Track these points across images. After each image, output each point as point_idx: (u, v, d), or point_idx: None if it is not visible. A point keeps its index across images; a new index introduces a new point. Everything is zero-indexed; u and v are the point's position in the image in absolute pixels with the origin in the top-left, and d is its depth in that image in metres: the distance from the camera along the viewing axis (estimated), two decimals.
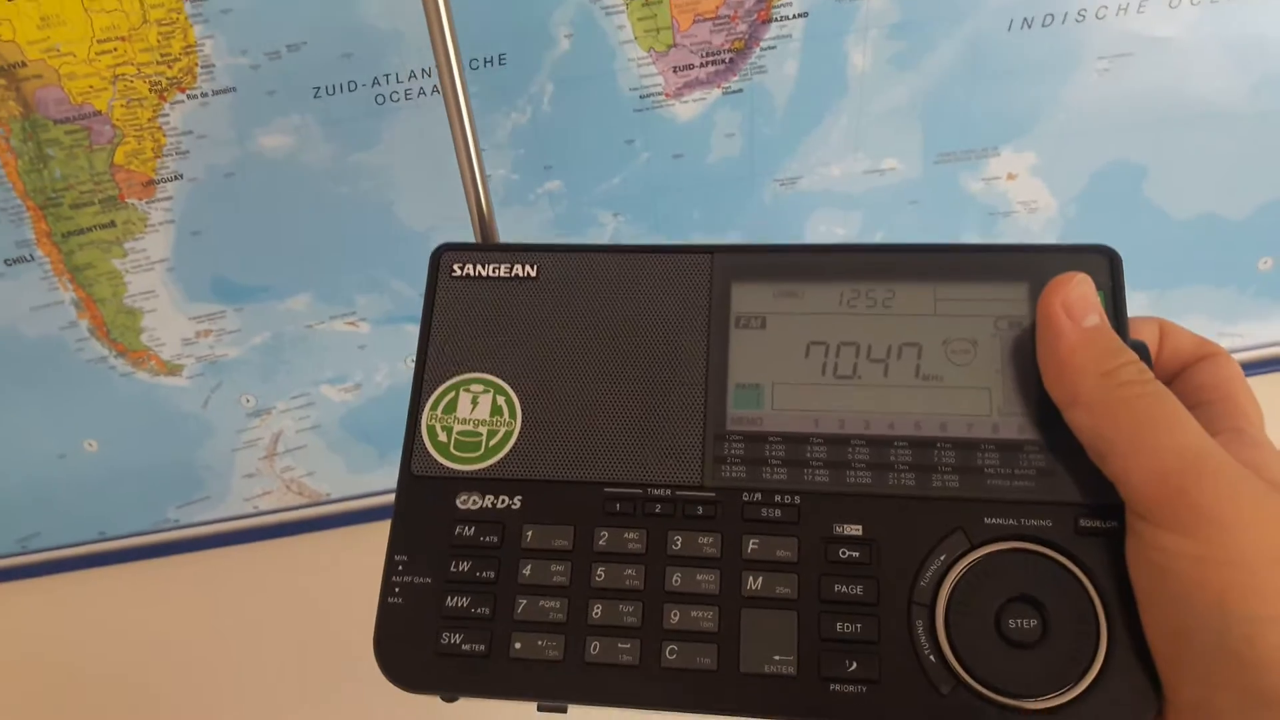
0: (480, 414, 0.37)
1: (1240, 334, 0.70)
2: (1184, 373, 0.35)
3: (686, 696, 0.33)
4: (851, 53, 0.55)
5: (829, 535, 0.33)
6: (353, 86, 0.55)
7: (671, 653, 0.33)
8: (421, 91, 0.55)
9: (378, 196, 0.58)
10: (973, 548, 0.33)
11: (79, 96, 0.54)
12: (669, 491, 0.35)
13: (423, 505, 0.36)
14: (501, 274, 0.38)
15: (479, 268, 0.39)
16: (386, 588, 0.35)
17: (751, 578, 0.33)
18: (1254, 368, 0.70)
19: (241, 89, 0.54)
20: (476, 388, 0.37)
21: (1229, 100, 0.59)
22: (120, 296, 0.61)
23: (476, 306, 0.38)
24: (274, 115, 0.55)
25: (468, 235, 0.62)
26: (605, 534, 0.35)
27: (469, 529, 0.35)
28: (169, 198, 0.58)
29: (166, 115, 0.55)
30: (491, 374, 0.37)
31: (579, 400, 0.36)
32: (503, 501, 0.36)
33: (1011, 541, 0.33)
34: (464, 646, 0.34)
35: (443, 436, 0.37)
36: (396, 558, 0.35)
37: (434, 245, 0.61)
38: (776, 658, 0.32)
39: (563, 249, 0.39)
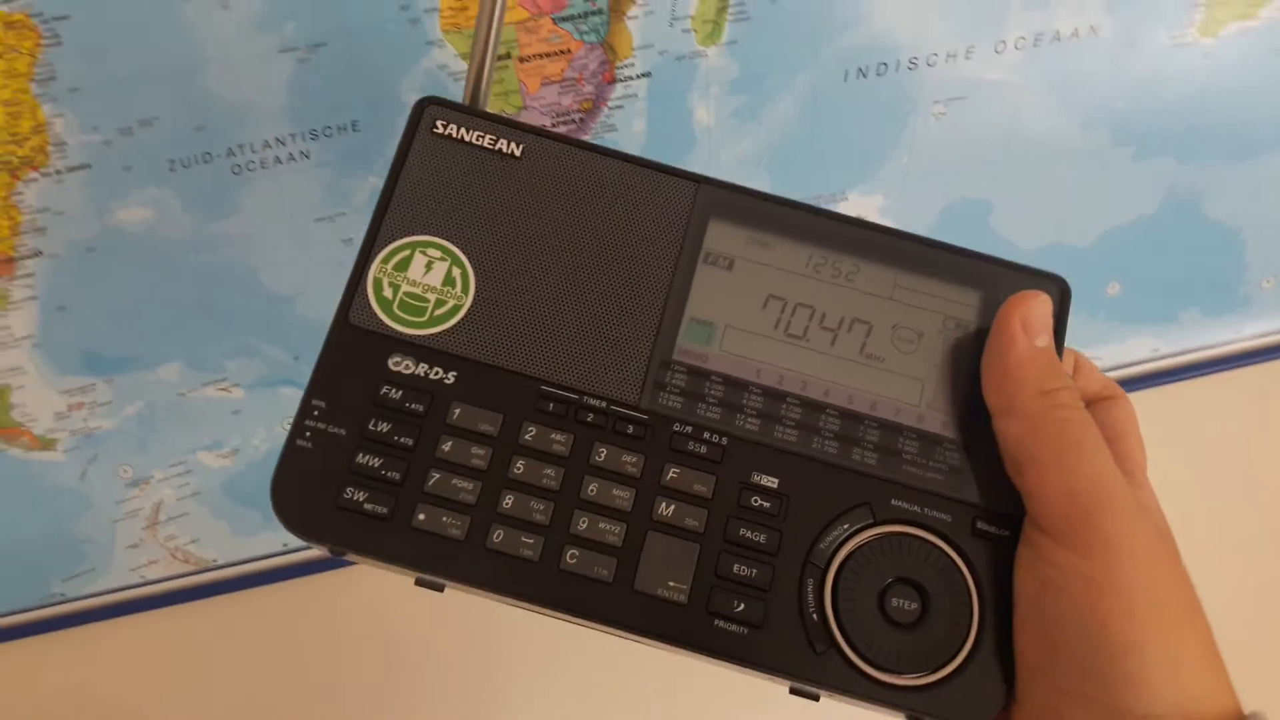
0: (432, 280, 0.36)
1: (1098, 358, 0.73)
2: (1087, 409, 0.38)
3: (576, 601, 0.33)
4: (696, 108, 0.57)
5: (746, 481, 0.35)
6: (208, 158, 0.55)
7: (572, 557, 0.34)
8: (277, 160, 0.56)
9: (241, 264, 0.59)
10: (875, 523, 0.34)
11: None
12: (604, 404, 0.35)
13: (352, 356, 0.35)
14: (485, 144, 0.37)
15: (462, 131, 0.37)
16: (297, 429, 0.34)
17: (664, 504, 0.34)
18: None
19: (96, 165, 0.55)
20: (434, 253, 0.36)
21: (1061, 137, 0.62)
22: None
23: (451, 171, 0.37)
24: (131, 189, 0.56)
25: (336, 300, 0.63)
26: (533, 429, 0.35)
27: (396, 392, 0.35)
28: (30, 274, 0.58)
29: (21, 194, 0.55)
30: (452, 243, 0.36)
31: (535, 293, 0.36)
32: (436, 373, 0.35)
33: (911, 526, 0.34)
34: (366, 505, 0.34)
35: (388, 293, 0.36)
36: (314, 401, 0.35)
37: (301, 308, 0.62)
38: (671, 583, 0.34)
39: (553, 136, 0.38)
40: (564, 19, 0.53)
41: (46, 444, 0.64)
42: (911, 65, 0.58)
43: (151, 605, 0.72)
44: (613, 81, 0.56)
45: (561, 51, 0.54)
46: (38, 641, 0.72)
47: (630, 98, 0.56)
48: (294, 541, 0.71)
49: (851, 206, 0.62)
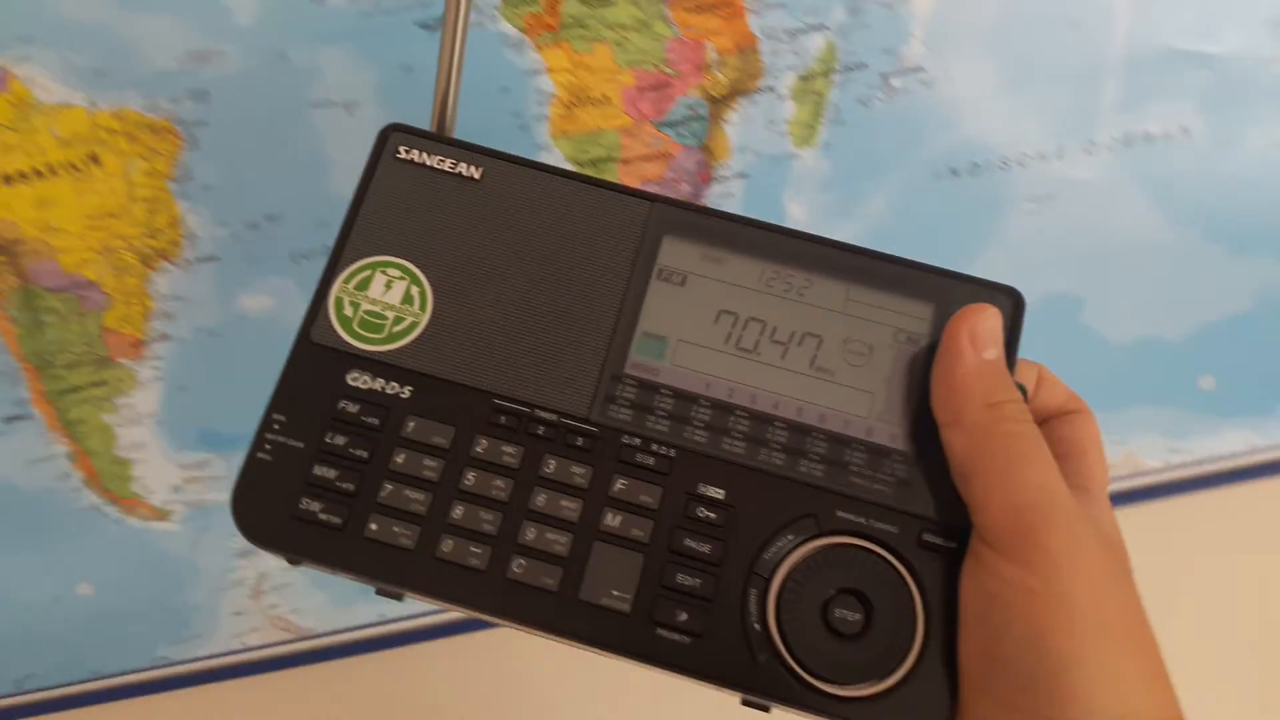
0: (391, 299, 0.37)
1: (1190, 450, 0.72)
2: (1049, 422, 0.37)
3: (521, 610, 0.34)
4: (789, 205, 0.59)
5: (692, 492, 0.35)
6: (328, 251, 0.59)
7: (519, 566, 0.34)
8: None
9: None
10: (820, 534, 0.34)
11: (72, 267, 0.58)
12: (555, 417, 0.36)
13: (313, 372, 0.37)
14: (445, 168, 0.38)
15: (424, 155, 0.39)
16: (258, 442, 0.36)
17: (611, 514, 0.35)
18: (1205, 482, 0.72)
19: (224, 256, 0.58)
20: (393, 272, 0.37)
21: (1153, 234, 0.62)
22: (111, 448, 0.64)
23: (412, 194, 0.38)
24: (255, 279, 0.59)
25: None
26: (484, 442, 0.35)
27: (353, 406, 0.36)
28: (157, 357, 0.61)
29: (154, 282, 0.59)
30: (411, 263, 0.37)
31: (491, 309, 0.37)
32: (392, 388, 0.36)
33: (856, 538, 0.34)
34: (321, 515, 0.35)
35: (349, 311, 0.37)
36: (274, 416, 0.36)
37: None
38: (615, 593, 0.34)
39: (510, 159, 0.39)
40: (666, 125, 0.56)
41: (162, 514, 0.67)
42: (1003, 165, 0.59)
43: (251, 671, 0.74)
44: (709, 181, 0.58)
45: (662, 155, 0.57)
46: (140, 703, 0.75)
47: (727, 197, 0.58)
48: (391, 612, 0.73)
49: None
